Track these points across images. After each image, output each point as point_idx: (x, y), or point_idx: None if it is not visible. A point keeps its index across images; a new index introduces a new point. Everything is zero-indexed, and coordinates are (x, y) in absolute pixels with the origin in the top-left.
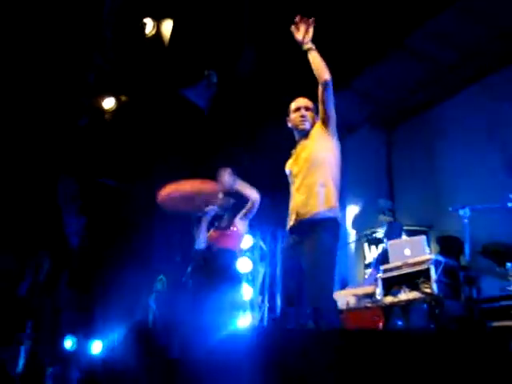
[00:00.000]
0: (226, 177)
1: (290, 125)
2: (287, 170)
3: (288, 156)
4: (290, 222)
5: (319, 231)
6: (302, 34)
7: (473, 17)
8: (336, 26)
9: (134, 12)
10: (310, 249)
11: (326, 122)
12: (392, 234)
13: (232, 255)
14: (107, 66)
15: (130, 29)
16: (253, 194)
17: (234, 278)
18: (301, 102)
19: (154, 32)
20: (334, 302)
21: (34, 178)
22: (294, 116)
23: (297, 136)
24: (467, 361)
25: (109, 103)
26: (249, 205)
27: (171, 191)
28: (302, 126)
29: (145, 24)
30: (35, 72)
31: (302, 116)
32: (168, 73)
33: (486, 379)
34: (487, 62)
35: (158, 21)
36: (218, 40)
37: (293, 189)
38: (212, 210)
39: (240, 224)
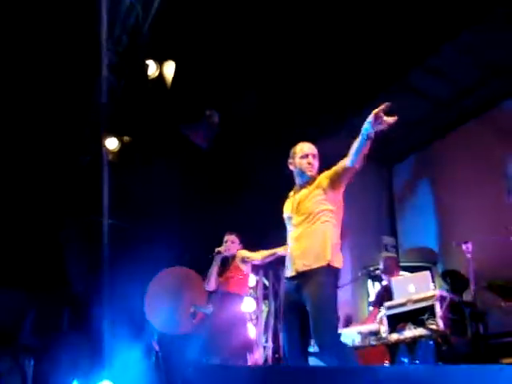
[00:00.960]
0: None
1: (292, 168)
2: (286, 214)
3: (284, 196)
4: (289, 271)
5: (318, 279)
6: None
7: (470, 55)
8: (337, 63)
9: (137, 54)
10: (311, 297)
11: (334, 184)
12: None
13: (238, 300)
14: (111, 107)
15: (133, 70)
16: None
17: (240, 321)
18: (308, 148)
19: (156, 73)
20: (341, 342)
21: (38, 218)
22: (300, 161)
23: (299, 180)
24: None
25: (112, 144)
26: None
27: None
28: (309, 173)
29: (147, 65)
30: (39, 111)
31: (310, 163)
32: (170, 113)
33: None
34: (485, 98)
35: (160, 62)
36: (219, 81)
37: (291, 235)
38: (220, 255)
39: (243, 266)
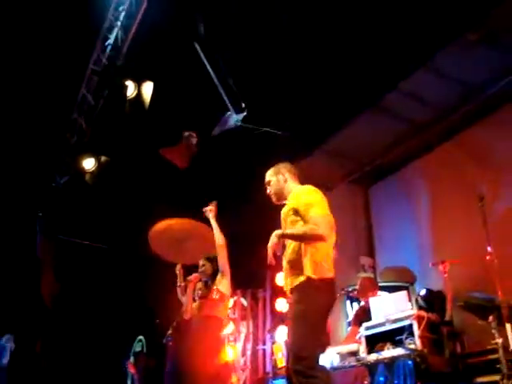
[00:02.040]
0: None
1: None
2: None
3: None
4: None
5: (295, 297)
6: None
7: (443, 77)
8: (312, 86)
9: (115, 74)
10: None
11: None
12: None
13: (217, 322)
14: (88, 127)
15: (111, 90)
16: (219, 240)
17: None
18: (265, 178)
19: (134, 94)
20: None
21: (12, 236)
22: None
23: None
24: None
25: (89, 164)
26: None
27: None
28: (274, 201)
29: (126, 86)
30: (14, 130)
31: (269, 193)
32: (148, 134)
33: None
34: (459, 120)
35: (139, 83)
36: (198, 102)
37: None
38: (194, 278)
39: (222, 286)
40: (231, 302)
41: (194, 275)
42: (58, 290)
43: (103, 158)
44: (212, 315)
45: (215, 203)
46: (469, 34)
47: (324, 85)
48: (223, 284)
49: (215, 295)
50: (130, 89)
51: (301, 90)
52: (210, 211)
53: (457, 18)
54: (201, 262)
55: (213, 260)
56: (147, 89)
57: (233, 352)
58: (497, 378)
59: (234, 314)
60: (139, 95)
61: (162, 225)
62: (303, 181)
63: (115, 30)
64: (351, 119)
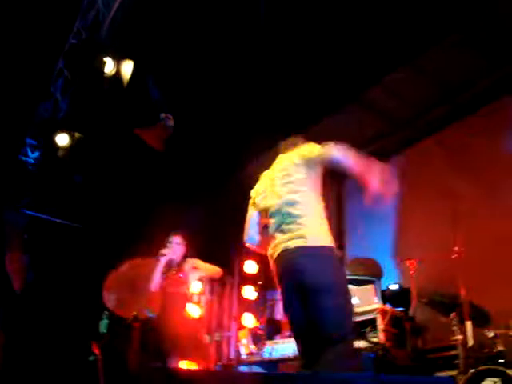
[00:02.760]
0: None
1: None
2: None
3: None
4: None
5: None
6: None
7: (424, 75)
8: (297, 76)
9: (94, 50)
10: None
11: None
12: None
13: (184, 300)
14: (63, 102)
15: (89, 66)
16: (214, 274)
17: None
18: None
19: (113, 72)
20: None
21: None
22: None
23: None
24: None
25: (63, 140)
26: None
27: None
28: None
29: (105, 63)
30: None
31: None
32: (125, 113)
33: None
34: (437, 118)
35: (118, 61)
36: (175, 84)
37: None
38: (165, 255)
39: (191, 271)
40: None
41: (168, 250)
42: (25, 269)
43: (77, 135)
44: (177, 292)
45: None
46: (452, 36)
47: (307, 77)
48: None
49: (182, 275)
50: (109, 66)
51: (286, 77)
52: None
53: (441, 20)
54: (175, 239)
55: (184, 243)
56: (127, 67)
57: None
58: (454, 373)
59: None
60: (118, 73)
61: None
62: None
63: (97, 5)
64: (332, 112)
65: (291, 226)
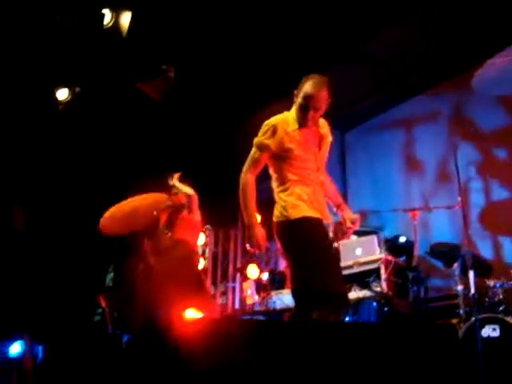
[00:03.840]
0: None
1: (295, 102)
2: (308, 154)
3: None
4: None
5: None
6: None
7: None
8: (295, 29)
9: (92, 1)
10: None
11: None
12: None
13: (187, 247)
14: (63, 56)
15: (86, 18)
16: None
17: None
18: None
19: (111, 23)
20: None
21: None
22: (309, 104)
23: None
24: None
25: (63, 94)
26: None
27: (112, 213)
28: (316, 119)
29: (103, 14)
30: None
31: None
32: (125, 66)
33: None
34: (433, 73)
35: (116, 12)
36: (176, 35)
37: (309, 180)
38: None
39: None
40: (203, 239)
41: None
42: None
43: (77, 89)
44: (182, 238)
45: (179, 174)
46: None
47: (308, 27)
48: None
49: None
50: (107, 18)
51: (285, 32)
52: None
53: None
54: (175, 190)
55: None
56: (125, 19)
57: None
58: (455, 321)
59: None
60: (116, 24)
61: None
62: None
63: None
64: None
65: None
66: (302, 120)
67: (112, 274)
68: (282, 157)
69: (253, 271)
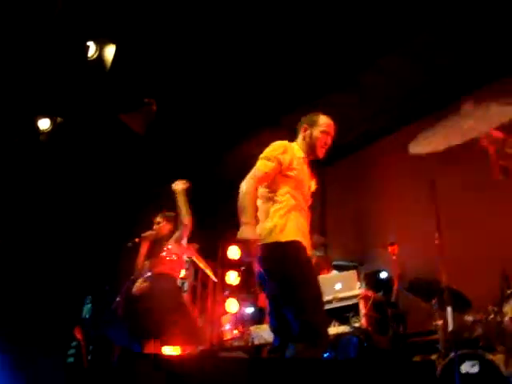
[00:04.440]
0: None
1: (302, 135)
2: (305, 183)
3: None
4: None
5: None
6: None
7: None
8: (277, 65)
9: (75, 34)
10: None
11: None
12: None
13: (171, 280)
14: (46, 86)
15: (71, 50)
16: (185, 219)
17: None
18: (333, 130)
19: (95, 55)
20: None
21: None
22: (318, 136)
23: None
24: None
25: (44, 124)
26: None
27: None
28: (319, 155)
29: (87, 47)
30: None
31: (326, 145)
32: (107, 98)
33: None
34: (421, 106)
35: (100, 44)
36: (160, 70)
37: (302, 209)
38: (149, 235)
39: (175, 248)
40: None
41: (150, 232)
42: None
43: (59, 119)
44: (165, 272)
45: (188, 182)
46: None
47: (293, 65)
48: (175, 246)
49: (167, 254)
50: (91, 50)
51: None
52: (183, 185)
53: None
54: (158, 219)
55: (170, 220)
56: (109, 51)
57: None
58: (434, 357)
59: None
60: (100, 57)
61: None
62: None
63: None
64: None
65: None
66: (311, 151)
67: (90, 305)
68: (286, 176)
69: (232, 305)
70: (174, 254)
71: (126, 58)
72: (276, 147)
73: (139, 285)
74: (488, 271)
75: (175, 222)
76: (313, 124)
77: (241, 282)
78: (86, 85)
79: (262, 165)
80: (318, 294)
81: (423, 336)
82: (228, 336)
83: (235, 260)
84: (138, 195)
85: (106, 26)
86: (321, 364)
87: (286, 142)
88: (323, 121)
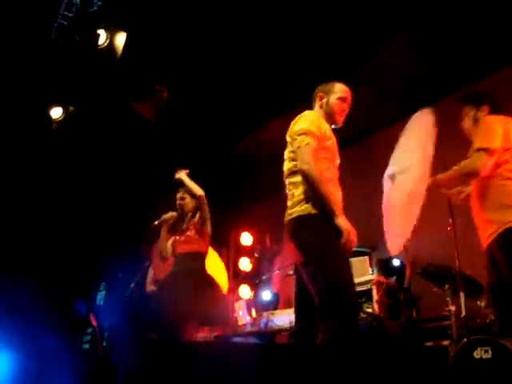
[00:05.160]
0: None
1: (318, 103)
2: (337, 156)
3: None
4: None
5: None
6: None
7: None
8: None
9: (87, 22)
10: None
11: None
12: None
13: (201, 258)
14: (57, 74)
15: (82, 38)
16: (198, 191)
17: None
18: (350, 96)
19: (106, 44)
20: None
21: None
22: (336, 103)
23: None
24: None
25: (56, 113)
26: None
27: None
28: (338, 123)
29: (98, 35)
30: None
31: (344, 112)
32: (119, 86)
33: None
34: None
35: (111, 33)
36: (171, 56)
37: (336, 183)
38: (170, 217)
39: (201, 225)
40: None
41: (171, 213)
42: None
43: (71, 108)
44: (193, 251)
45: (188, 171)
46: None
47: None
48: (203, 223)
49: (194, 232)
50: (102, 38)
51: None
52: (184, 171)
53: None
54: (180, 195)
55: (194, 196)
56: (120, 39)
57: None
58: (447, 343)
59: None
60: (111, 45)
61: None
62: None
63: None
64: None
65: None
66: (330, 120)
67: (104, 292)
68: (320, 148)
69: (245, 291)
70: (200, 231)
71: (137, 46)
72: (304, 119)
73: (162, 269)
74: None
75: (197, 198)
76: (328, 91)
77: (253, 268)
78: (97, 73)
79: (305, 141)
80: (349, 266)
81: (436, 322)
82: (241, 322)
83: (248, 246)
84: (153, 182)
85: (117, 13)
86: (329, 350)
87: (314, 112)
88: (339, 87)
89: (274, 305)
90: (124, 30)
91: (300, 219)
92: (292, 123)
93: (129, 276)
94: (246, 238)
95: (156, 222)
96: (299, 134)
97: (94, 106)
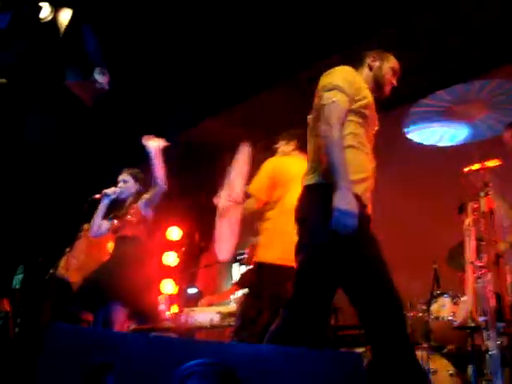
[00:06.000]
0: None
1: (368, 69)
2: (373, 122)
3: None
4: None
5: None
6: None
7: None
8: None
9: None
10: None
11: None
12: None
13: (138, 244)
14: None
15: (23, 8)
16: (164, 180)
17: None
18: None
19: (49, 18)
20: None
21: None
22: (388, 73)
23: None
24: None
25: None
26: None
27: None
28: (384, 94)
29: (41, 8)
30: None
31: (392, 85)
32: (57, 64)
33: None
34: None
35: (56, 7)
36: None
37: (366, 153)
38: (112, 193)
39: (145, 212)
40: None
41: (113, 189)
42: None
43: (1, 80)
44: (130, 235)
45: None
46: None
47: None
48: (146, 210)
49: (133, 216)
50: (45, 11)
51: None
52: (159, 142)
53: None
54: (122, 177)
55: (138, 178)
56: (65, 15)
57: None
58: (362, 349)
59: None
60: (54, 20)
61: None
62: None
63: None
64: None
65: None
66: (377, 87)
67: (21, 276)
68: (352, 110)
69: (167, 286)
70: (141, 217)
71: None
72: (337, 72)
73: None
74: (423, 270)
75: (141, 181)
76: (383, 58)
77: (180, 262)
78: (36, 47)
79: (332, 99)
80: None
81: (354, 329)
82: (161, 316)
83: (175, 241)
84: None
85: None
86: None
87: (351, 68)
88: (394, 60)
89: (196, 302)
90: (70, 7)
91: (305, 190)
92: (321, 77)
93: (49, 260)
94: (174, 233)
95: (97, 196)
96: (327, 90)
97: (27, 81)
